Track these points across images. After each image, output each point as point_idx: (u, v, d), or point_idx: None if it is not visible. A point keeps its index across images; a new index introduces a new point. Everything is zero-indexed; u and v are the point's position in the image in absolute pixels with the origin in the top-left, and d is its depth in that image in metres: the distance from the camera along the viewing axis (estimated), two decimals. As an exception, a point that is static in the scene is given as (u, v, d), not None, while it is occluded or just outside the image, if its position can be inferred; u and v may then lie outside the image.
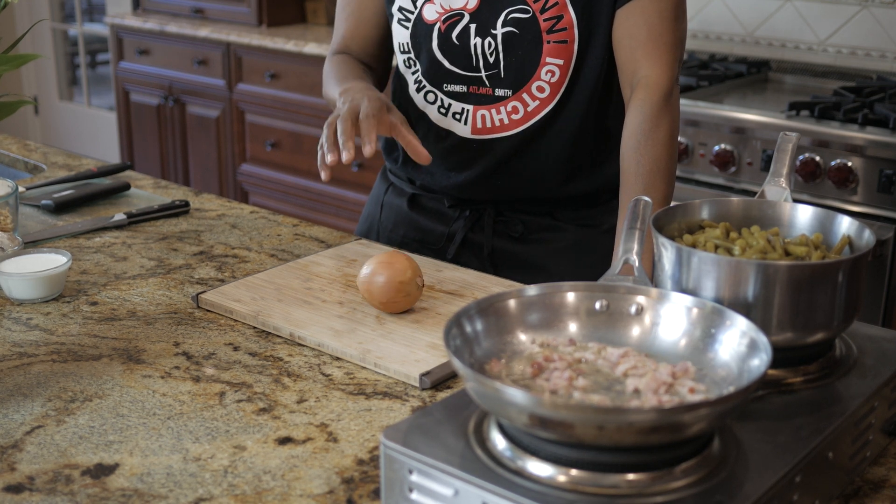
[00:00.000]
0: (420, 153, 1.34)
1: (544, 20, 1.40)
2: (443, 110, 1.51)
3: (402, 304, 1.24)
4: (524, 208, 1.54)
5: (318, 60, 3.55)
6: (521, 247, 1.55)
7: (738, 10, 3.14)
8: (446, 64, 1.47)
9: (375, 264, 1.24)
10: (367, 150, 1.26)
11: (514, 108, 1.46)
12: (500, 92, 1.46)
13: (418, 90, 1.53)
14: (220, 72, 3.91)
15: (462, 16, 1.44)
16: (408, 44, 1.50)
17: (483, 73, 1.46)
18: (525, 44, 1.42)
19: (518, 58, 1.43)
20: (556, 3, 1.40)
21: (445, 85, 1.49)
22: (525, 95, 1.45)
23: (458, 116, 1.50)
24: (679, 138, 2.14)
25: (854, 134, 2.35)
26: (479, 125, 1.48)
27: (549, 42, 1.41)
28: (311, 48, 3.53)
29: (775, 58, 3.07)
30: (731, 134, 2.53)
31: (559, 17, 1.40)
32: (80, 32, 5.47)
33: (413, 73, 1.52)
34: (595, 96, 1.46)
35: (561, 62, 1.42)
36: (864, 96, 2.60)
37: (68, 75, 5.68)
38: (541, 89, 1.44)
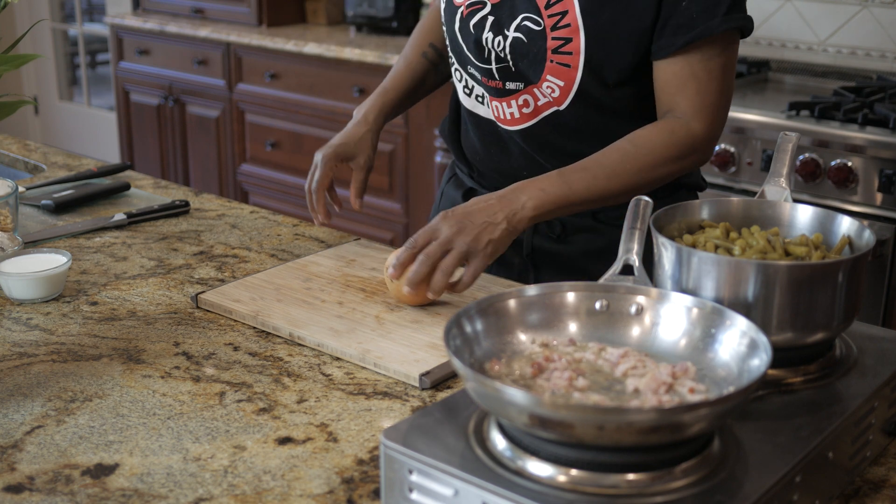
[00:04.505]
0: (353, 200, 1.51)
1: (552, 38, 1.37)
2: (467, 90, 1.51)
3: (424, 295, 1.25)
4: None
5: (319, 60, 3.55)
6: (560, 246, 1.52)
7: (738, 10, 3.13)
8: (465, 49, 1.48)
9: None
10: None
11: (525, 102, 1.45)
12: (510, 85, 1.45)
13: (452, 66, 1.54)
14: (220, 72, 3.91)
15: (484, 5, 1.43)
16: (442, 19, 1.51)
17: (493, 66, 1.45)
18: (530, 55, 1.39)
19: (524, 65, 1.42)
20: (568, 25, 1.35)
21: (468, 67, 1.49)
22: (536, 90, 1.43)
23: (480, 99, 1.50)
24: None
25: (854, 134, 2.35)
26: (496, 115, 1.48)
27: (552, 61, 1.38)
28: (311, 48, 3.53)
29: (775, 58, 3.07)
30: (731, 134, 2.53)
31: (567, 40, 1.37)
32: (80, 32, 5.47)
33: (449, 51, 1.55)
34: (606, 120, 1.42)
35: (562, 84, 1.39)
36: (864, 96, 2.60)
37: (68, 75, 5.68)
38: (551, 89, 1.42)
